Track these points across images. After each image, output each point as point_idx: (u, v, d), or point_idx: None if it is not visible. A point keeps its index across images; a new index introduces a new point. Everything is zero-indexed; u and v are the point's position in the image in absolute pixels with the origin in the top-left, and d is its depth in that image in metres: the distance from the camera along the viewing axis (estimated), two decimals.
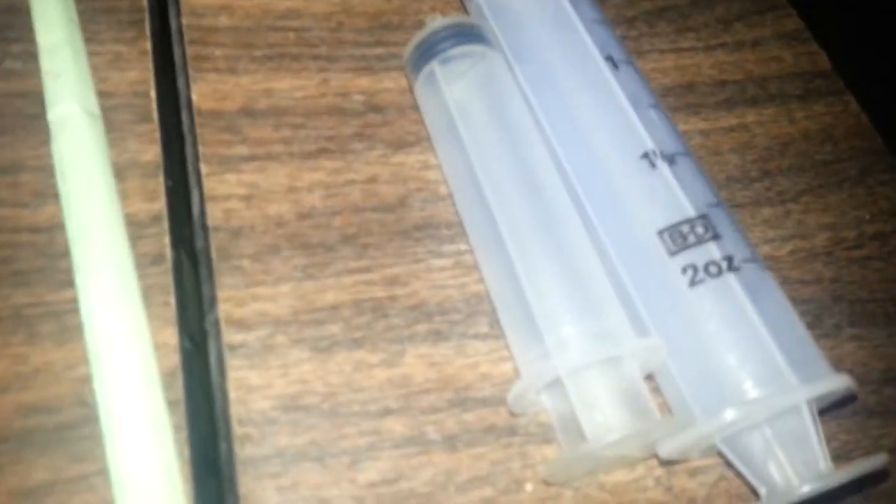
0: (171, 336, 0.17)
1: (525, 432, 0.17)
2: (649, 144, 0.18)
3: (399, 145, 0.21)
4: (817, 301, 0.22)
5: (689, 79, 0.26)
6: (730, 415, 0.15)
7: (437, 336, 0.18)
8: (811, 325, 0.22)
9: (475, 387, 0.18)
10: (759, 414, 0.15)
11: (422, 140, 0.21)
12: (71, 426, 0.15)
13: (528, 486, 0.17)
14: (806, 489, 0.15)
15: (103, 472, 0.14)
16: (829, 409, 0.20)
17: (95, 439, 0.15)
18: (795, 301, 0.22)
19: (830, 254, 0.23)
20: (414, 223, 0.20)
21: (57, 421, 0.15)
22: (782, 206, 0.24)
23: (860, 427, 0.20)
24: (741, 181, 0.24)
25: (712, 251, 0.17)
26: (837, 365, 0.21)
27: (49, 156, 0.18)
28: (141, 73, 0.20)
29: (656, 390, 0.18)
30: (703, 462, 0.18)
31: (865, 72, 0.30)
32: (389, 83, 0.22)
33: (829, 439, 0.20)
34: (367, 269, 0.19)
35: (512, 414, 0.17)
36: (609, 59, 0.20)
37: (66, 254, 0.17)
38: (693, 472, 0.18)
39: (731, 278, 0.16)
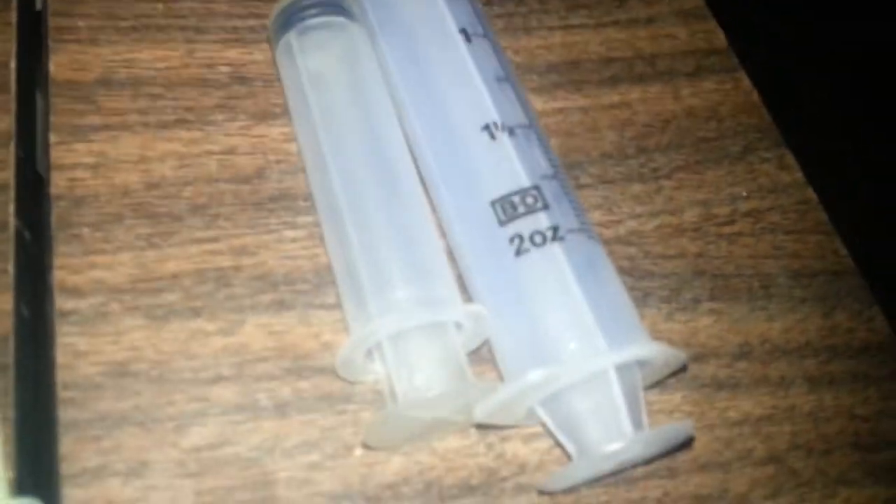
0: (7, 302, 0.17)
1: (361, 400, 0.18)
2: (492, 116, 0.19)
3: (262, 117, 0.21)
4: (678, 275, 0.23)
5: (576, 56, 0.27)
6: (534, 376, 0.15)
7: (281, 305, 0.18)
8: (668, 299, 0.22)
9: (314, 356, 0.18)
10: (567, 377, 0.15)
11: (284, 112, 0.21)
12: None
13: (357, 451, 0.17)
14: (607, 449, 0.15)
15: None
16: (676, 383, 0.21)
17: None
18: (655, 275, 0.22)
19: (698, 230, 0.24)
20: (269, 195, 0.20)
21: None
22: (655, 182, 0.24)
23: (707, 399, 0.21)
24: (615, 157, 0.24)
25: (540, 221, 0.17)
26: (691, 338, 0.22)
27: None
28: (4, 45, 0.20)
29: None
30: (537, 430, 0.18)
31: (764, 48, 0.31)
32: (259, 55, 0.22)
33: (673, 411, 0.20)
34: (214, 240, 0.19)
35: (350, 382, 0.18)
36: (463, 31, 0.20)
37: None
38: (527, 439, 0.18)
39: (555, 247, 0.17)
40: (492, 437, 0.18)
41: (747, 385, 0.21)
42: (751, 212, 0.25)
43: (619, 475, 0.18)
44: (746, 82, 0.28)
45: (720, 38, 0.29)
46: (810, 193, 0.26)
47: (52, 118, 0.19)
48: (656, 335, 0.21)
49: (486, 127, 0.18)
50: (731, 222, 0.24)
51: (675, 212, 0.24)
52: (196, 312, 0.18)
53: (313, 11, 0.20)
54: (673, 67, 0.28)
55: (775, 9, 0.30)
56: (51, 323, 0.17)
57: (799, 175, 0.26)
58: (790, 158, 0.27)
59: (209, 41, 0.22)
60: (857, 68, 0.26)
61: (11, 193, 0.18)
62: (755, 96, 0.28)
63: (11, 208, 0.18)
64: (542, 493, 0.17)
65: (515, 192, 0.17)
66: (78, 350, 0.16)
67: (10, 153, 0.19)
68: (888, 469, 0.21)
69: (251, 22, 0.23)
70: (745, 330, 0.22)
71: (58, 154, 0.19)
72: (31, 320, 0.17)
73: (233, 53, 0.22)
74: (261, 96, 0.22)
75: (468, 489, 0.17)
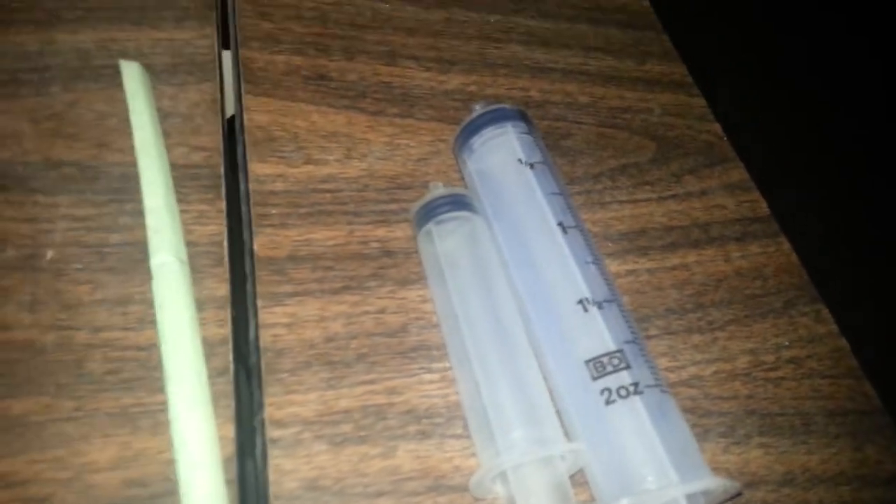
0: (230, 431, 0.23)
1: None
2: (585, 293, 0.25)
3: (404, 283, 0.28)
4: (732, 414, 0.28)
5: (642, 225, 0.33)
6: (623, 502, 0.20)
7: (423, 435, 0.24)
8: (725, 434, 0.27)
9: (449, 476, 0.24)
10: (645, 502, 0.21)
11: (422, 279, 0.28)
12: (160, 496, 0.21)
13: None
14: None
15: None
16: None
17: None
18: (713, 414, 0.28)
19: (748, 374, 0.29)
20: (411, 345, 0.26)
21: (150, 492, 0.21)
22: (711, 333, 0.30)
23: None
24: (677, 312, 0.30)
25: (624, 378, 0.23)
26: (744, 468, 0.27)
27: (150, 292, 0.25)
28: (217, 227, 0.28)
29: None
30: None
31: (801, 216, 0.36)
32: (400, 232, 0.29)
33: None
34: (373, 382, 0.25)
35: (475, 499, 0.23)
36: (560, 224, 0.26)
37: (158, 367, 0.23)
38: None
39: (636, 399, 0.22)
40: None
41: None
42: (792, 359, 0.30)
43: None
44: (786, 245, 0.34)
45: (763, 207, 0.35)
46: (843, 342, 0.31)
47: (258, 287, 0.26)
48: (715, 465, 0.26)
49: (580, 301, 0.24)
50: (776, 368, 0.29)
51: (728, 359, 0.29)
52: (363, 440, 0.24)
53: (447, 207, 0.27)
54: (723, 233, 0.34)
55: (811, 176, 0.35)
56: (264, 448, 0.23)
57: (833, 327, 0.31)
58: (825, 312, 0.32)
59: (364, 222, 0.29)
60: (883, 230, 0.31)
61: (230, 345, 0.25)
62: (794, 258, 0.34)
63: (230, 356, 0.25)
64: None
65: (605, 354, 0.23)
66: (283, 469, 0.23)
67: (227, 314, 0.26)
68: None
69: (393, 206, 0.30)
70: (788, 461, 0.27)
71: (263, 316, 0.26)
72: (248, 449, 0.23)
73: (381, 231, 0.29)
74: (403, 266, 0.28)
75: None
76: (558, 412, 0.23)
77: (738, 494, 0.24)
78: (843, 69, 0.35)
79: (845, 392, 0.30)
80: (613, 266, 0.31)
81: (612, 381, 0.23)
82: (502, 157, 0.29)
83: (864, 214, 0.34)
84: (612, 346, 0.24)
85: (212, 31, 0.34)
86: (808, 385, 0.29)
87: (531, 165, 0.28)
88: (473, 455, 0.24)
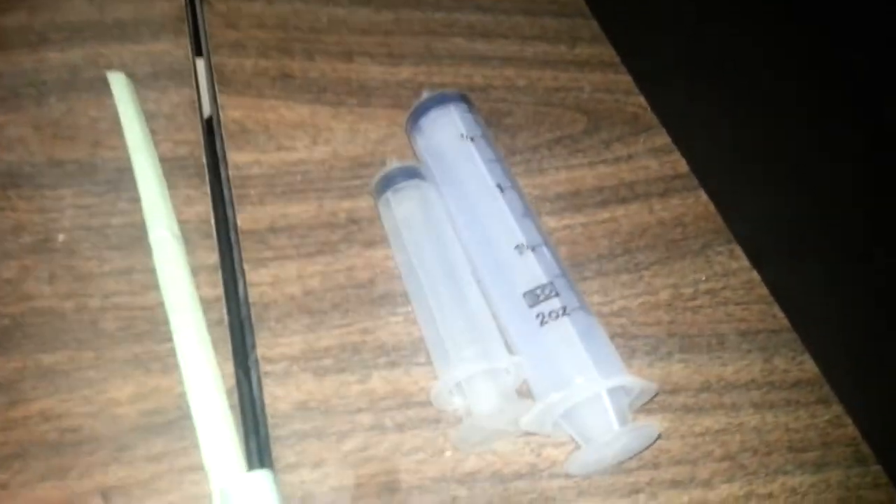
0: (230, 368, 0.27)
1: (446, 421, 0.28)
2: (520, 239, 0.29)
3: (369, 244, 0.32)
4: (656, 337, 0.32)
5: (576, 187, 0.38)
6: (554, 396, 0.25)
7: (393, 365, 0.29)
8: (649, 353, 0.32)
9: (416, 395, 0.28)
10: (576, 396, 0.25)
11: (384, 240, 0.32)
12: (174, 421, 0.26)
13: (448, 453, 0.27)
14: (603, 439, 0.25)
15: (196, 446, 0.25)
16: (658, 409, 0.30)
17: (190, 428, 0.25)
18: (639, 337, 0.32)
19: (670, 304, 0.34)
20: (378, 294, 0.31)
21: (165, 418, 0.26)
22: (637, 273, 0.35)
23: (679, 418, 0.30)
24: (608, 257, 0.35)
25: (554, 304, 0.27)
26: (667, 378, 0.31)
27: (151, 262, 0.29)
28: (204, 207, 0.32)
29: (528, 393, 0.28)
30: (563, 439, 0.28)
31: (716, 168, 0.41)
32: (363, 203, 0.34)
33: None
34: (348, 325, 0.29)
35: (440, 410, 0.28)
36: (498, 185, 0.31)
37: (165, 321, 0.28)
38: (557, 445, 0.28)
39: (565, 319, 0.27)
40: (533, 443, 0.28)
41: (708, 409, 0.30)
42: (709, 290, 0.35)
43: (618, 466, 0.28)
44: (704, 197, 0.39)
45: (683, 166, 0.40)
46: (754, 275, 0.36)
47: (244, 254, 0.31)
48: (642, 377, 0.31)
49: (517, 246, 0.29)
50: (695, 298, 0.34)
51: (652, 293, 0.34)
52: (342, 370, 0.28)
53: (401, 177, 0.32)
54: (648, 190, 0.38)
55: (724, 131, 0.40)
56: (258, 380, 0.27)
57: (745, 262, 0.36)
58: (738, 250, 0.37)
59: (332, 197, 0.34)
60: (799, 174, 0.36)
61: (223, 302, 0.29)
62: (711, 207, 0.39)
63: (224, 311, 0.29)
64: (567, 475, 0.26)
65: (538, 287, 0.28)
66: (276, 395, 0.27)
67: (219, 277, 0.30)
68: (813, 464, 0.30)
69: (356, 182, 0.34)
70: (706, 372, 0.32)
71: (249, 277, 0.30)
72: (243, 379, 0.27)
73: (347, 204, 0.34)
74: (367, 231, 0.33)
75: (519, 476, 0.27)
76: (502, 335, 0.28)
77: (655, 395, 0.29)
78: (747, 42, 0.40)
79: (757, 315, 0.34)
80: (552, 222, 0.36)
81: (544, 307, 0.27)
82: (447, 134, 0.33)
83: (770, 159, 0.39)
84: (543, 280, 0.28)
85: (185, 42, 0.39)
86: (723, 311, 0.34)
87: (471, 139, 0.33)
88: (435, 378, 0.29)
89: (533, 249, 0.29)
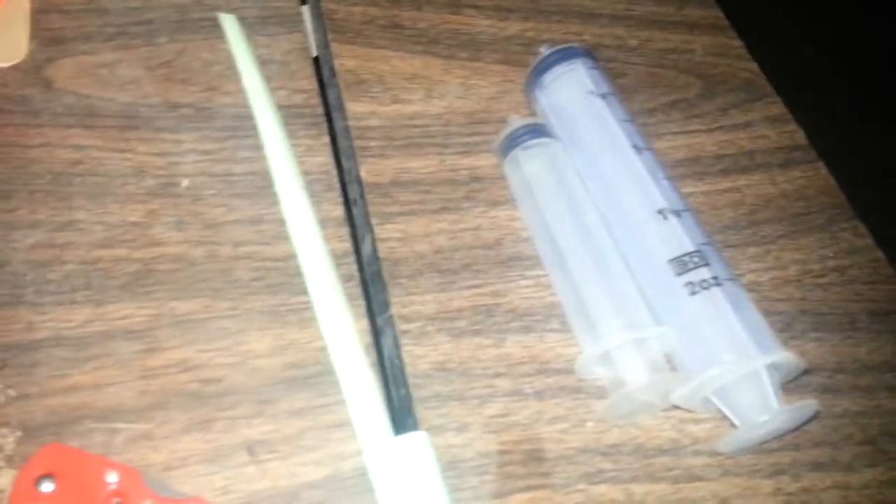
0: (365, 325, 0.26)
1: (586, 391, 0.27)
2: (662, 203, 0.28)
3: (494, 204, 0.31)
4: (788, 313, 0.31)
5: (695, 154, 0.36)
6: (711, 372, 0.24)
7: (527, 329, 0.28)
8: (783, 330, 0.31)
9: (552, 361, 0.27)
10: (732, 373, 0.24)
11: (509, 201, 0.31)
12: (315, 376, 0.25)
13: (589, 424, 0.26)
14: (762, 418, 0.24)
15: (339, 403, 0.24)
16: (793, 388, 0.29)
17: (332, 384, 0.24)
18: (771, 313, 0.31)
19: (799, 280, 0.32)
20: (507, 256, 0.30)
21: (306, 373, 0.25)
22: (764, 246, 0.33)
23: (818, 400, 0.29)
24: (734, 228, 0.33)
25: (704, 273, 0.26)
26: (802, 357, 0.30)
27: (278, 212, 0.28)
28: (325, 159, 0.31)
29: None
30: (705, 416, 0.27)
31: (835, 144, 0.40)
32: (484, 161, 0.32)
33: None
34: (478, 286, 0.28)
35: (579, 379, 0.27)
36: (634, 146, 0.30)
37: (298, 274, 0.27)
38: (698, 421, 0.27)
39: (716, 290, 0.26)
40: (674, 418, 0.27)
41: (845, 391, 0.29)
42: (836, 267, 0.33)
43: (759, 447, 0.27)
44: (824, 171, 0.37)
45: (801, 137, 0.38)
46: (879, 254, 0.35)
47: (370, 208, 0.29)
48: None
49: (660, 211, 0.28)
50: (823, 275, 0.33)
51: (781, 268, 0.33)
52: (476, 333, 0.27)
53: (530, 135, 0.31)
54: (768, 161, 0.37)
55: (843, 108, 0.39)
56: (394, 338, 0.26)
57: (870, 241, 0.35)
58: (862, 228, 0.35)
59: (451, 153, 0.32)
60: None
61: (352, 257, 0.28)
62: (832, 181, 0.37)
63: (354, 267, 0.28)
64: (714, 454, 0.26)
65: (685, 254, 0.27)
66: (415, 354, 0.26)
67: (345, 231, 0.29)
68: None
69: (475, 139, 0.33)
70: (839, 353, 0.31)
71: (377, 231, 0.29)
72: (378, 336, 0.26)
73: (467, 161, 0.32)
74: (490, 190, 0.31)
75: (662, 451, 0.26)
76: (646, 304, 0.27)
77: (804, 373, 0.28)
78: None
79: (885, 295, 0.33)
80: None
81: (693, 275, 0.26)
82: (574, 91, 0.32)
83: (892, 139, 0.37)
84: (690, 248, 0.27)
85: None
86: (852, 290, 0.33)
87: (602, 96, 0.31)
88: (571, 346, 0.28)
89: (677, 215, 0.28)
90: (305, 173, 0.30)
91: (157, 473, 0.22)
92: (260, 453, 0.23)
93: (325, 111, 0.32)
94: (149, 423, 0.23)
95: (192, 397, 0.24)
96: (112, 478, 0.21)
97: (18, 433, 0.22)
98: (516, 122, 0.31)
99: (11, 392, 0.23)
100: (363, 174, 0.30)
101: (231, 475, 0.23)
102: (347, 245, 0.28)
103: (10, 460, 0.22)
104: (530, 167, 0.30)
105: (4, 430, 0.22)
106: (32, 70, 0.31)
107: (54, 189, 0.27)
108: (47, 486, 0.21)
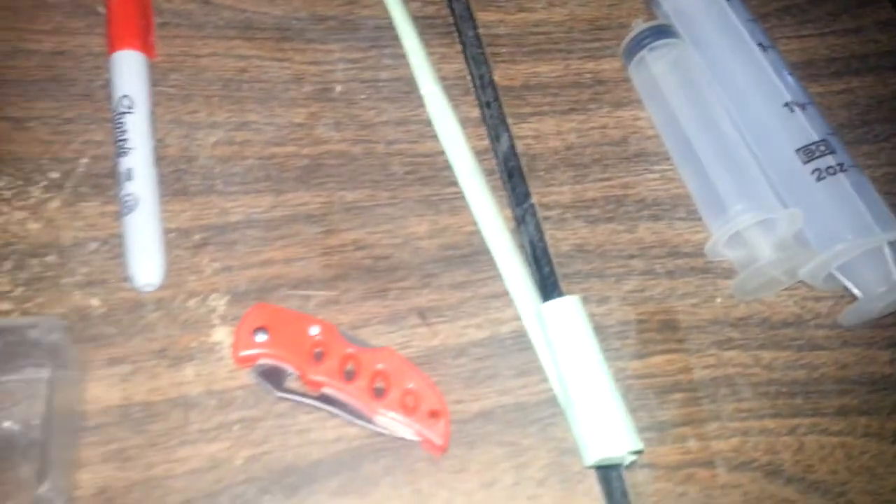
0: (508, 212, 0.29)
1: (714, 272, 0.29)
2: (788, 97, 0.30)
3: (618, 105, 0.33)
4: None
5: (809, 57, 0.37)
6: (837, 248, 0.26)
7: (655, 218, 0.30)
8: None
9: (681, 245, 0.30)
10: (856, 248, 0.26)
11: (632, 102, 0.33)
12: (470, 255, 0.28)
13: (718, 300, 0.28)
14: (881, 289, 0.26)
15: (494, 278, 0.27)
16: None
17: (486, 262, 0.28)
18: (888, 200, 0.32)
19: None
20: (634, 152, 0.32)
21: (461, 252, 0.28)
22: (877, 144, 0.34)
23: None
24: (848, 127, 0.35)
25: (829, 160, 0.28)
26: None
27: (423, 113, 0.31)
28: (459, 65, 0.33)
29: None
30: (828, 293, 0.29)
31: None
32: (606, 65, 0.34)
33: None
34: (608, 179, 0.31)
35: (707, 261, 0.29)
36: (760, 45, 0.31)
37: (446, 167, 0.30)
38: (819, 298, 0.29)
39: (842, 176, 0.28)
40: (796, 296, 0.29)
41: None
42: None
43: (876, 321, 0.29)
44: None
45: None
46: None
47: (505, 109, 0.32)
48: None
49: (786, 104, 0.29)
50: None
51: (894, 164, 0.34)
52: (610, 220, 0.30)
53: (655, 36, 0.32)
54: (879, 63, 0.37)
55: None
56: (535, 224, 0.29)
57: None
58: None
59: (576, 58, 0.34)
60: None
61: (491, 154, 0.31)
62: None
63: (494, 162, 0.31)
64: (835, 326, 0.28)
65: (812, 143, 0.28)
66: (556, 237, 0.29)
67: (483, 130, 0.31)
68: None
69: (597, 44, 0.35)
70: None
71: (513, 130, 0.31)
72: (522, 221, 0.29)
73: (591, 65, 0.34)
74: (614, 92, 0.33)
75: (786, 324, 0.28)
76: (775, 190, 0.29)
77: None
78: None
79: None
80: None
81: (820, 163, 0.28)
82: None
83: None
84: (816, 137, 0.29)
85: None
86: None
87: None
88: (698, 232, 0.30)
89: (803, 108, 0.29)
90: (443, 79, 0.32)
91: (347, 331, 0.26)
92: (430, 317, 0.27)
93: (455, 21, 0.34)
94: (334, 290, 0.27)
95: (367, 271, 0.27)
96: (314, 330, 0.25)
97: (227, 297, 0.26)
98: (641, 25, 0.33)
99: (216, 265, 0.27)
100: (496, 78, 0.33)
101: (407, 334, 0.26)
102: (487, 143, 0.31)
103: (223, 318, 0.26)
104: (657, 67, 0.32)
105: (215, 295, 0.26)
106: None
107: (227, 94, 0.31)
108: (261, 337, 0.25)
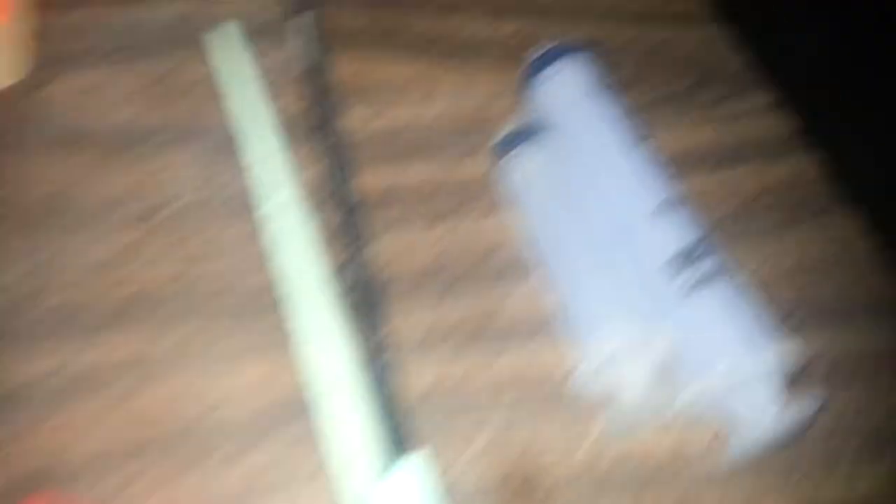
0: (357, 347, 0.27)
1: (590, 401, 0.27)
2: (659, 200, 0.28)
3: (492, 208, 0.31)
4: (787, 304, 0.31)
5: (689, 147, 0.36)
6: (712, 373, 0.24)
7: (528, 339, 0.28)
8: (782, 321, 0.30)
9: (555, 372, 0.27)
10: (732, 372, 0.24)
11: (507, 203, 0.31)
12: (303, 407, 0.25)
13: (594, 436, 0.26)
14: (765, 415, 0.24)
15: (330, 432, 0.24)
16: (797, 380, 0.29)
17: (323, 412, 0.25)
18: (769, 304, 0.30)
19: (797, 270, 0.32)
20: (507, 262, 0.30)
21: (293, 405, 0.25)
22: (760, 237, 0.33)
23: (822, 390, 0.29)
24: (730, 220, 0.33)
25: (703, 267, 0.26)
26: (801, 349, 0.30)
27: (270, 230, 0.28)
28: (319, 171, 0.31)
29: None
30: (712, 418, 0.27)
31: (829, 132, 0.40)
32: (482, 165, 0.32)
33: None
34: (477, 296, 0.29)
35: (579, 391, 0.27)
36: (630, 142, 0.30)
37: (288, 295, 0.27)
38: (704, 427, 0.27)
39: (714, 286, 0.26)
40: (679, 425, 0.27)
41: (848, 380, 0.29)
42: (832, 257, 0.33)
43: (769, 444, 0.27)
44: (817, 158, 0.37)
45: (793, 126, 0.38)
46: (874, 241, 0.35)
47: (366, 218, 0.29)
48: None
49: (657, 207, 0.28)
50: (821, 265, 0.33)
51: (779, 258, 0.32)
52: (475, 346, 0.27)
53: (525, 136, 0.31)
54: (761, 151, 0.37)
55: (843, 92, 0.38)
56: (391, 352, 0.26)
57: (864, 228, 0.35)
58: (857, 215, 0.35)
59: (448, 158, 0.32)
60: None
61: (347, 270, 0.28)
62: (825, 168, 0.37)
63: (348, 281, 0.28)
64: (720, 455, 0.26)
65: (683, 250, 0.27)
66: (409, 373, 0.26)
67: (341, 244, 0.29)
68: None
69: (472, 142, 0.33)
70: (840, 341, 0.31)
71: (373, 244, 0.29)
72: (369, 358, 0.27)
73: (465, 165, 0.32)
74: (485, 197, 0.31)
75: (670, 458, 0.26)
76: (646, 305, 0.27)
77: (806, 364, 0.28)
78: None
79: (882, 281, 0.33)
80: None
81: (692, 272, 0.26)
82: (567, 89, 0.32)
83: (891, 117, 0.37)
84: (687, 243, 0.27)
85: None
86: (850, 277, 0.33)
87: (595, 93, 0.31)
88: (576, 353, 0.28)
89: (674, 210, 0.28)
90: (298, 188, 0.30)
91: None
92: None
93: (317, 123, 0.32)
94: (133, 467, 0.23)
95: (180, 435, 0.24)
96: None
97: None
98: (510, 125, 0.32)
99: None
100: (357, 185, 0.31)
101: None
102: (342, 260, 0.29)
103: None
104: (525, 169, 0.30)
105: None
106: (25, 91, 0.31)
107: (26, 223, 0.27)
108: None
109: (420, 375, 0.26)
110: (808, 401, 0.25)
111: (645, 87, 0.38)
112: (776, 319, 0.30)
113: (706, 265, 0.26)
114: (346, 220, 0.29)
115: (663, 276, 0.27)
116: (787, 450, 0.27)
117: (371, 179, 0.31)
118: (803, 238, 0.34)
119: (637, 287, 0.28)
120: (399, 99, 0.34)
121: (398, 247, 0.29)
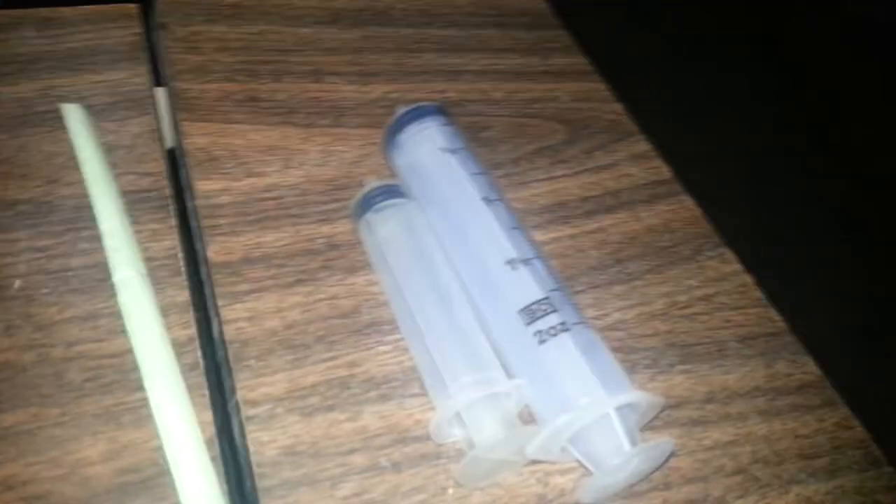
0: (208, 416, 0.25)
1: (447, 456, 0.26)
2: (512, 254, 0.28)
3: (351, 270, 0.31)
4: (655, 348, 0.31)
5: (561, 198, 0.36)
6: (560, 421, 0.24)
7: (384, 398, 0.27)
8: (650, 366, 0.31)
9: (411, 429, 0.26)
10: (583, 418, 0.24)
11: (367, 265, 0.31)
12: (151, 478, 0.23)
13: (450, 491, 0.25)
14: (615, 462, 0.23)
15: None
16: (662, 425, 0.29)
17: (168, 486, 0.23)
18: (638, 349, 0.31)
19: (666, 313, 0.33)
20: (364, 323, 0.29)
21: (141, 476, 0.24)
22: (630, 283, 0.33)
23: (687, 433, 0.29)
24: (599, 269, 0.34)
25: (552, 320, 0.26)
26: (670, 391, 0.30)
27: (116, 305, 0.27)
28: (171, 242, 0.30)
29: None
30: (571, 465, 0.26)
31: (702, 174, 0.41)
32: (342, 227, 0.32)
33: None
34: (333, 358, 0.28)
35: (438, 445, 0.26)
36: (484, 198, 0.30)
37: (135, 369, 0.26)
38: (564, 472, 0.26)
39: (565, 336, 0.26)
40: (539, 472, 0.26)
41: (715, 421, 0.29)
42: (703, 297, 0.34)
43: (628, 489, 0.26)
44: (689, 202, 0.38)
45: (666, 171, 0.39)
46: (748, 278, 0.35)
47: (217, 289, 0.29)
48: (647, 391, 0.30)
49: (509, 261, 0.28)
50: (690, 305, 0.33)
51: (647, 303, 0.33)
52: (331, 408, 0.26)
53: (381, 197, 0.30)
54: (632, 198, 0.37)
55: (707, 139, 0.40)
56: (240, 426, 0.25)
57: (738, 266, 0.35)
58: (730, 254, 0.36)
59: (308, 222, 0.32)
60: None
61: (197, 343, 0.27)
62: (698, 212, 0.38)
63: (199, 353, 0.27)
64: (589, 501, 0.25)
65: (534, 303, 0.26)
66: (262, 441, 0.25)
67: (191, 316, 0.28)
68: (826, 471, 0.28)
69: (333, 205, 0.33)
70: (709, 383, 0.31)
71: (225, 313, 0.28)
72: (224, 426, 0.25)
73: (325, 229, 0.32)
74: (348, 256, 0.31)
75: (538, 500, 0.25)
76: (499, 357, 0.26)
77: (661, 410, 0.27)
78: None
79: (754, 319, 0.33)
80: (539, 235, 0.34)
81: (542, 324, 0.26)
82: (427, 148, 0.32)
83: (756, 161, 0.38)
84: (539, 295, 0.27)
85: (144, 69, 0.37)
86: (720, 317, 0.33)
87: (453, 152, 0.32)
88: (431, 409, 0.27)
89: (526, 264, 0.28)
90: (150, 259, 0.29)
91: None
92: None
93: (172, 193, 0.31)
94: None
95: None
96: None
97: None
98: (369, 184, 0.31)
99: None
100: (211, 254, 0.30)
101: None
102: (192, 331, 0.27)
103: None
104: (383, 229, 0.30)
105: None
106: None
107: None
108: None
109: (275, 437, 0.25)
110: (657, 446, 0.24)
111: (519, 141, 0.39)
112: (645, 363, 0.30)
113: (557, 315, 0.26)
114: (199, 289, 0.28)
115: (516, 327, 0.26)
116: (650, 493, 0.26)
117: (226, 247, 0.30)
118: (673, 281, 0.34)
119: (492, 338, 0.27)
120: (260, 164, 0.34)
121: (254, 311, 0.28)
